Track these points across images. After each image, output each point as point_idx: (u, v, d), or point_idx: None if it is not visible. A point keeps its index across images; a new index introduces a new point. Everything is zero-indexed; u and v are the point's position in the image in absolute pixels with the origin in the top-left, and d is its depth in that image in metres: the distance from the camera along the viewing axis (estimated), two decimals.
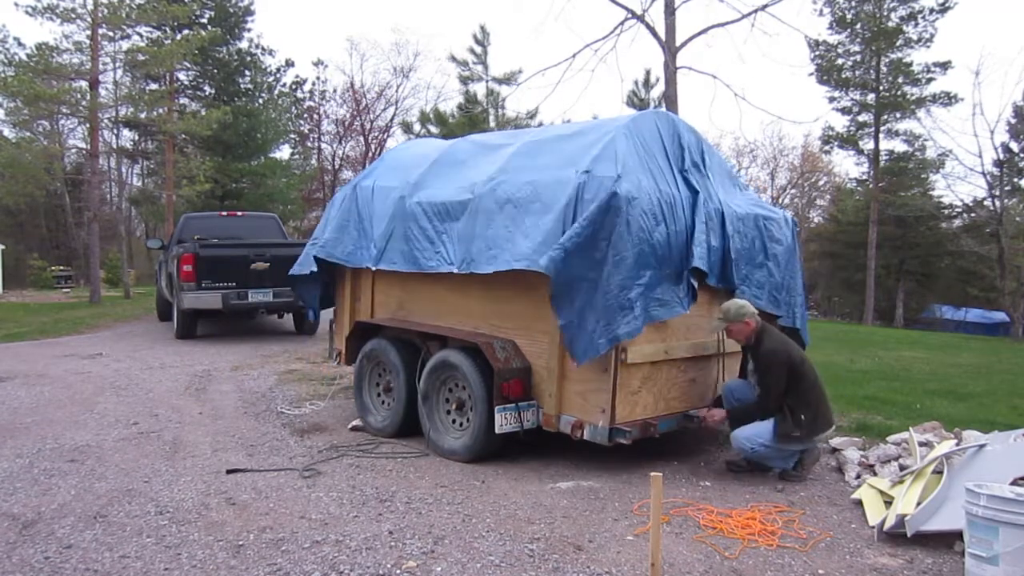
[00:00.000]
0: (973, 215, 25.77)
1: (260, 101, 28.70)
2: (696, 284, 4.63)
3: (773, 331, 4.78)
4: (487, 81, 25.62)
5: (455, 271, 5.01)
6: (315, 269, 6.21)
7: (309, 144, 37.57)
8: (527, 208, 4.67)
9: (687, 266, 4.59)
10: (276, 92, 30.62)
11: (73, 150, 28.83)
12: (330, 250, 6.08)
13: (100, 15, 18.77)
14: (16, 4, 18.67)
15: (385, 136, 36.21)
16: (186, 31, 23.90)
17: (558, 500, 4.15)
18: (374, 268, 5.71)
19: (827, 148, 31.92)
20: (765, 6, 13.21)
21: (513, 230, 4.67)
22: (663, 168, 4.75)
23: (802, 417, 4.46)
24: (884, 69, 27.88)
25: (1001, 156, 24.21)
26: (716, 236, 4.81)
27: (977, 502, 3.01)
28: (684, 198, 4.68)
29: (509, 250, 4.62)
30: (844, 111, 29.41)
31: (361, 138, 36.57)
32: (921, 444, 4.74)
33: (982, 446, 4.27)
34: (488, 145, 5.72)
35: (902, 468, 4.47)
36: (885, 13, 27.49)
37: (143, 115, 22.53)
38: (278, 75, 30.92)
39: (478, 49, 25.69)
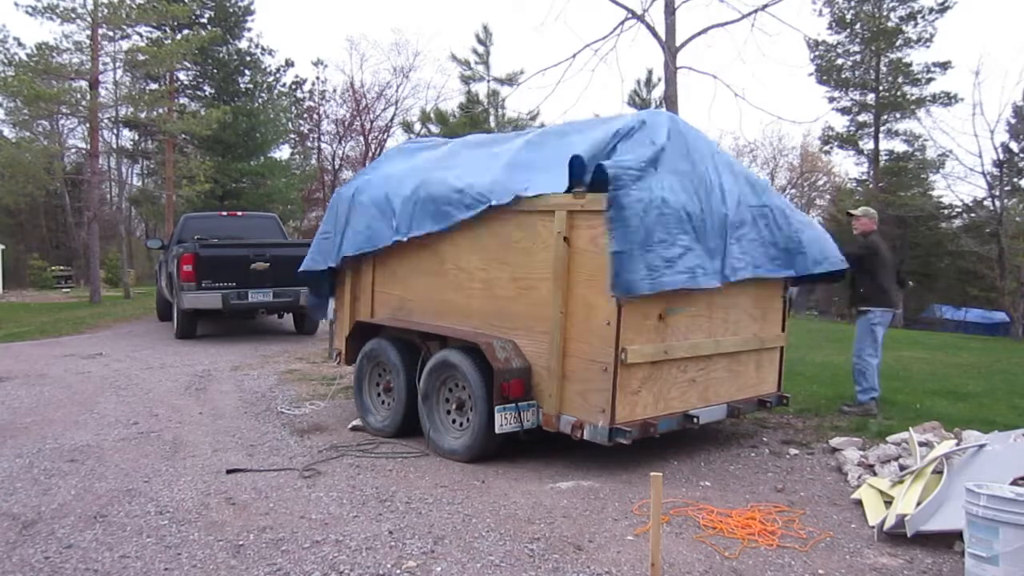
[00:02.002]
0: (973, 215, 25.73)
1: (260, 101, 28.71)
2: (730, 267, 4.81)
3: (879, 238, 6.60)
4: (488, 81, 25.62)
5: (494, 203, 4.96)
6: (332, 265, 6.23)
7: (309, 144, 37.59)
8: (566, 138, 5.06)
9: (721, 250, 4.76)
10: (276, 92, 30.63)
11: (73, 150, 28.85)
12: (360, 245, 5.95)
13: (100, 15, 18.79)
14: (16, 4, 18.70)
15: (385, 136, 36.19)
16: (186, 31, 23.93)
17: (558, 500, 4.15)
18: (405, 239, 5.52)
19: (827, 148, 31.94)
20: (765, 6, 13.21)
21: (556, 157, 4.84)
22: (694, 154, 4.91)
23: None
24: (884, 69, 27.89)
25: (1001, 156, 24.18)
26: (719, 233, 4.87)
27: (977, 502, 3.01)
28: (717, 184, 4.86)
29: (557, 166, 4.73)
30: (844, 111, 29.42)
31: (361, 138, 36.58)
32: (921, 444, 4.74)
33: (982, 446, 4.27)
34: (507, 135, 6.01)
35: (902, 468, 4.47)
36: (885, 13, 27.49)
37: (143, 115, 22.56)
38: (278, 75, 30.93)
39: (480, 49, 25.67)
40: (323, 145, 37.96)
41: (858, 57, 28.41)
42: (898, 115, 28.03)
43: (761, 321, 5.40)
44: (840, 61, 28.67)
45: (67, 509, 3.97)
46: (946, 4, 26.14)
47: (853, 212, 6.94)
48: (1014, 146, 26.56)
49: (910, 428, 5.14)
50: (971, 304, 27.71)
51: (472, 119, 22.79)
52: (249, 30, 28.45)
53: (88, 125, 21.27)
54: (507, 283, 4.91)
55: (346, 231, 6.10)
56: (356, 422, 5.84)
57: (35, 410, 6.41)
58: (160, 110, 22.65)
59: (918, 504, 3.69)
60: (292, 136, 34.04)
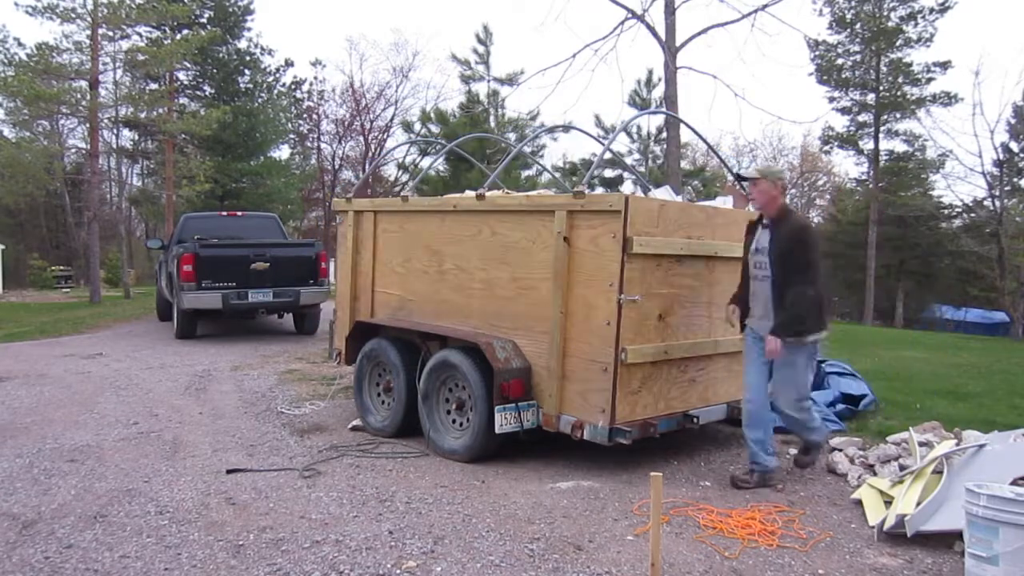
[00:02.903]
0: (973, 215, 25.72)
1: (260, 101, 28.72)
2: None
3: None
4: (489, 81, 25.59)
5: None
6: None
7: (309, 144, 37.59)
8: None
9: None
10: (276, 92, 30.64)
11: (73, 150, 28.82)
12: None
13: (100, 15, 18.78)
14: (16, 4, 18.70)
15: (385, 136, 36.19)
16: (186, 31, 23.94)
17: (558, 500, 4.15)
18: None
19: (827, 148, 31.93)
20: (765, 6, 13.16)
21: None
22: None
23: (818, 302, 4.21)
24: (884, 69, 27.87)
25: (1001, 156, 24.15)
26: None
27: (977, 502, 3.01)
28: None
29: None
30: (844, 111, 29.41)
31: (361, 138, 36.57)
32: (921, 444, 4.74)
33: (982, 446, 4.27)
34: None
35: (902, 468, 4.47)
36: (885, 13, 27.48)
37: (143, 115, 22.55)
38: (277, 75, 30.95)
39: (480, 49, 25.60)
40: (323, 145, 37.98)
41: (858, 57, 28.39)
42: (898, 115, 28.03)
43: None
44: (840, 61, 28.66)
45: (67, 509, 3.97)
46: (946, 4, 26.13)
47: (748, 175, 4.47)
48: (1014, 146, 26.53)
49: (910, 428, 5.14)
50: (971, 304, 27.69)
51: (472, 119, 22.74)
52: (249, 30, 28.47)
53: (88, 125, 21.25)
54: (507, 283, 4.91)
55: None
56: (356, 422, 5.84)
57: (35, 410, 6.41)
58: (160, 110, 22.65)
59: (918, 504, 3.69)
60: (292, 136, 34.04)
